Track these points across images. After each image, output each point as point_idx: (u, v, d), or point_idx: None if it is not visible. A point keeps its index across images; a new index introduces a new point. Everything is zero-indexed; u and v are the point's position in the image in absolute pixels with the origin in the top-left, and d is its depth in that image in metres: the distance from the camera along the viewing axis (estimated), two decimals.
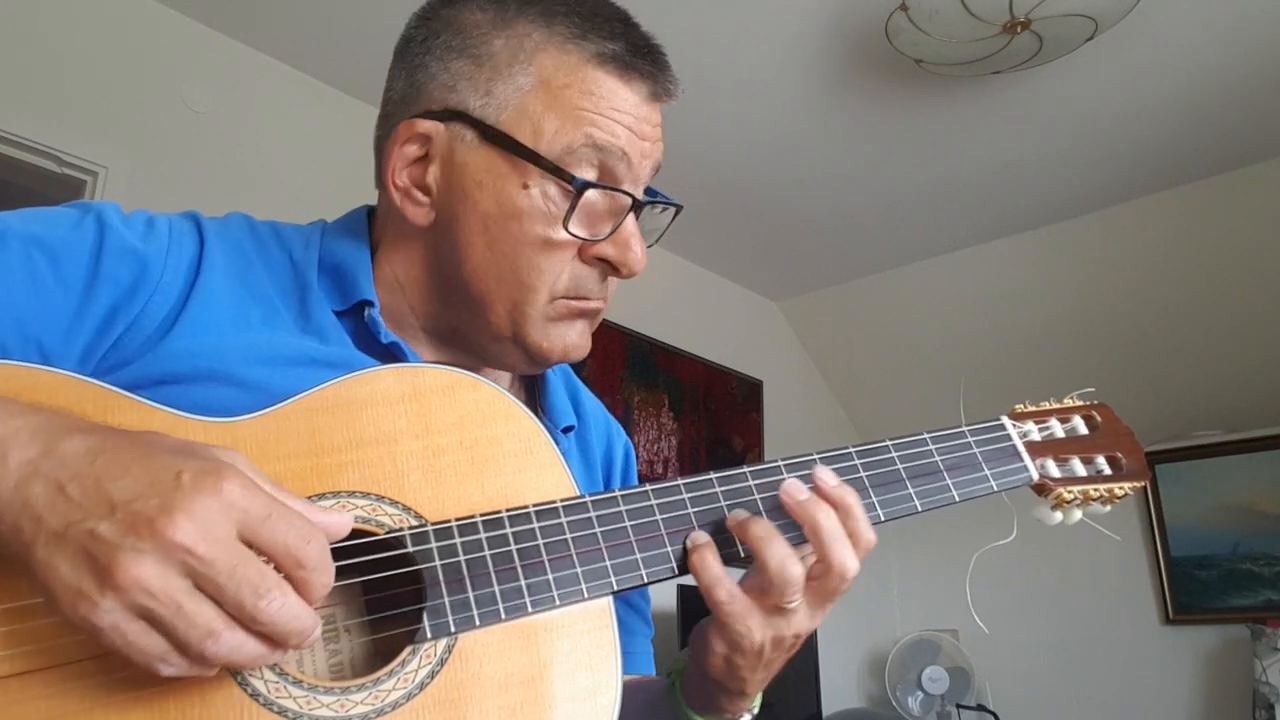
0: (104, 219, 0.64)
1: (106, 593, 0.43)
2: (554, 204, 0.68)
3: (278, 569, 0.47)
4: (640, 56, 0.71)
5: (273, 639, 0.46)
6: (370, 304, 0.71)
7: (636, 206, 0.71)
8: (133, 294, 0.62)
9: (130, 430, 0.51)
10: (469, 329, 0.74)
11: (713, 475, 0.68)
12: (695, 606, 3.09)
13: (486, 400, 0.64)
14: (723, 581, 0.64)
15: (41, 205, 0.67)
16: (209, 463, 0.47)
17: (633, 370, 3.48)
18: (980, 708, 3.70)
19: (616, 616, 0.81)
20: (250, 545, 0.46)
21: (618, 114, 0.69)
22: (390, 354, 0.71)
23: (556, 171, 0.68)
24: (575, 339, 0.74)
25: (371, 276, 0.73)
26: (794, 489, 0.65)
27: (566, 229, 0.68)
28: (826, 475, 0.66)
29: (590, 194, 0.69)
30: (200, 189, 2.43)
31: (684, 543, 0.65)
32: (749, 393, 4.01)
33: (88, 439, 0.48)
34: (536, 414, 0.80)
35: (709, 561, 0.64)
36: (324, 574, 0.48)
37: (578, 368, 0.88)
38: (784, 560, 0.62)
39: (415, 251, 0.74)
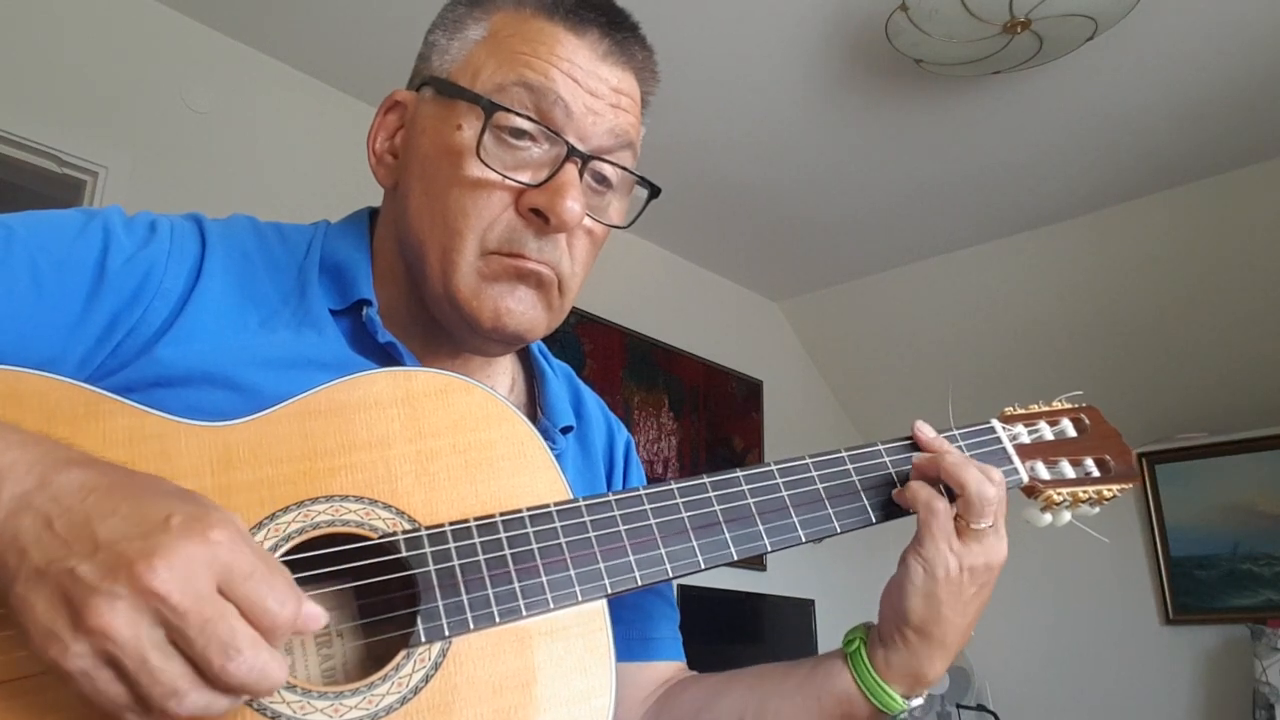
0: (108, 226, 0.64)
1: (78, 636, 0.41)
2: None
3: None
4: (592, 10, 0.71)
5: (241, 694, 0.45)
6: (369, 303, 0.71)
7: (576, 158, 0.68)
8: (134, 301, 0.62)
9: (132, 470, 0.50)
10: (425, 299, 0.72)
11: (706, 479, 0.68)
12: (695, 608, 3.09)
13: (480, 404, 0.64)
14: (937, 497, 0.69)
15: (41, 206, 0.67)
16: (201, 509, 0.45)
17: (633, 370, 3.48)
18: (980, 708, 3.70)
19: (641, 605, 0.82)
20: (228, 599, 0.44)
21: (556, 59, 0.69)
22: (386, 353, 0.71)
23: (475, 99, 0.68)
24: (512, 304, 0.69)
25: (370, 276, 0.74)
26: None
27: (479, 156, 0.67)
28: (925, 429, 0.76)
29: (528, 142, 0.68)
30: (200, 189, 2.43)
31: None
32: (749, 393, 4.01)
33: (84, 474, 0.46)
34: (536, 414, 0.80)
35: (924, 484, 0.70)
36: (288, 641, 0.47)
37: (577, 367, 0.88)
38: (980, 481, 0.68)
39: (390, 224, 0.76)
